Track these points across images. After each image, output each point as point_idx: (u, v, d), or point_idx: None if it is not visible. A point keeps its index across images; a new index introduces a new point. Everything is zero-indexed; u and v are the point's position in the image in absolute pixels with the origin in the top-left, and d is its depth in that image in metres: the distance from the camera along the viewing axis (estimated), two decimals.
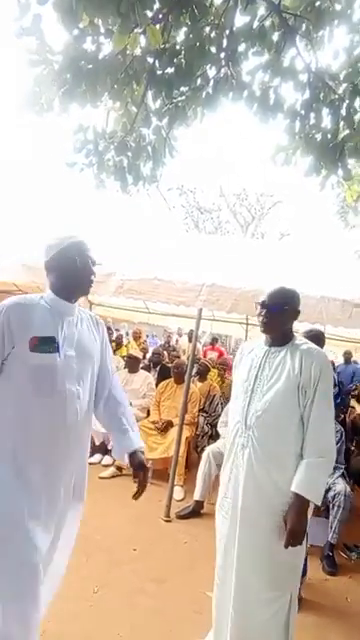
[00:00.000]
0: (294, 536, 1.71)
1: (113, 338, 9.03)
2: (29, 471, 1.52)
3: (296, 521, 1.71)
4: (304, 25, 2.55)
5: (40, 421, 1.53)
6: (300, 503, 1.73)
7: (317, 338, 2.71)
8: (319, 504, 1.89)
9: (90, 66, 2.44)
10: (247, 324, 7.85)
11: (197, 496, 3.78)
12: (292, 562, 1.83)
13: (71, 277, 1.62)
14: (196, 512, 3.74)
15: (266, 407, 1.82)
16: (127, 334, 11.41)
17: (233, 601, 1.85)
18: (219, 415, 4.65)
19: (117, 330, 11.08)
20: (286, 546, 1.71)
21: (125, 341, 9.88)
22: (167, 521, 3.57)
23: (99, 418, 1.86)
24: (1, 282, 4.77)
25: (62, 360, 1.54)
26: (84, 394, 1.65)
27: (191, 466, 4.40)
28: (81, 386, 1.63)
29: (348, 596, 2.88)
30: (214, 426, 4.71)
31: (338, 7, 2.49)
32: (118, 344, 8.35)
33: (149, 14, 2.16)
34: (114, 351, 7.33)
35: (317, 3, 2.47)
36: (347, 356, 8.23)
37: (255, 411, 1.85)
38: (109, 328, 10.17)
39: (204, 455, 3.92)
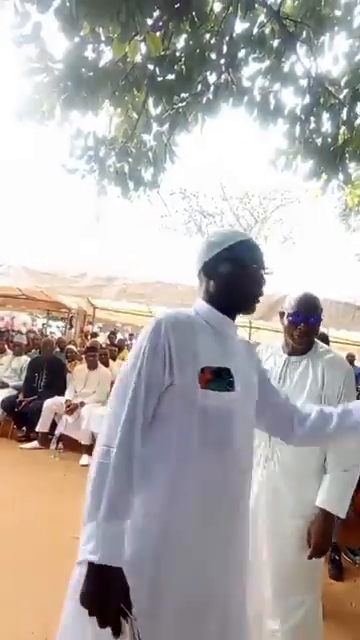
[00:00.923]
0: (319, 550, 1.68)
1: (115, 342, 9.06)
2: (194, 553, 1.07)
3: (320, 535, 1.68)
4: (304, 31, 2.56)
5: (210, 485, 1.10)
6: (325, 517, 1.69)
7: (322, 340, 2.70)
8: (344, 517, 1.85)
9: (91, 73, 2.47)
10: (250, 327, 7.85)
11: None
12: (314, 561, 1.81)
13: (238, 285, 1.24)
14: None
15: None
16: (131, 338, 11.43)
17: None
18: None
19: (120, 333, 11.09)
20: (309, 558, 1.69)
21: (130, 344, 9.89)
22: None
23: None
24: (4, 286, 4.80)
25: (238, 399, 1.16)
26: (252, 447, 1.27)
27: None
28: (251, 435, 1.26)
29: (353, 601, 2.86)
30: None
31: (338, 13, 2.51)
32: (120, 348, 8.36)
33: (149, 22, 2.18)
34: (116, 355, 7.34)
35: (317, 9, 2.48)
36: (350, 359, 8.21)
37: None
38: (113, 332, 10.19)
39: None
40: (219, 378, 1.13)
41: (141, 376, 1.06)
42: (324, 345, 1.94)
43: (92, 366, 5.49)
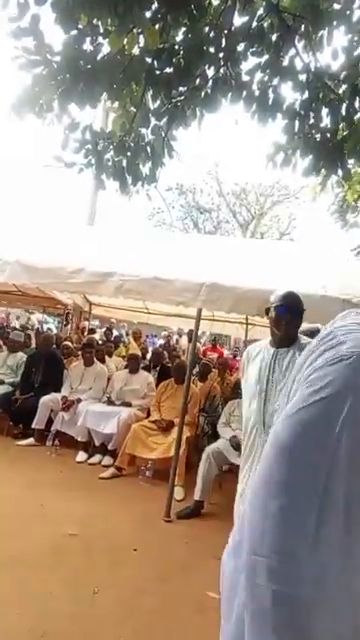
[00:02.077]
0: None
1: (111, 338, 9.04)
2: None
3: None
4: (303, 25, 2.55)
5: None
6: None
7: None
8: None
9: (89, 66, 2.44)
10: (247, 324, 7.85)
11: (197, 496, 3.78)
12: None
13: None
14: (196, 512, 3.74)
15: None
16: (127, 334, 11.40)
17: None
18: (219, 415, 4.65)
19: (116, 329, 11.06)
20: None
21: (126, 341, 9.88)
22: (168, 521, 3.57)
23: None
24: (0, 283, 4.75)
25: None
26: None
27: (192, 466, 4.40)
28: None
29: None
30: (214, 426, 4.71)
31: (337, 7, 2.49)
32: (116, 344, 8.35)
33: (147, 14, 2.15)
34: (112, 351, 7.32)
35: (316, 3, 2.47)
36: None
37: (272, 411, 1.90)
38: (109, 328, 10.16)
39: (204, 455, 3.92)
40: None
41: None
42: (306, 338, 2.12)
43: (88, 363, 5.48)
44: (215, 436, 4.52)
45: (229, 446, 3.91)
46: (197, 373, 5.83)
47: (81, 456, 4.72)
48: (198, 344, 8.24)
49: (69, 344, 6.90)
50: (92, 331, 9.49)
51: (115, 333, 10.35)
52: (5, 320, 12.40)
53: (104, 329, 10.40)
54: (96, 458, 4.69)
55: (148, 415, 5.03)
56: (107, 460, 4.61)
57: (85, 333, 8.96)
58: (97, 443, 4.77)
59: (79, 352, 6.41)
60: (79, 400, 5.07)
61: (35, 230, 5.75)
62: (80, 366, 5.53)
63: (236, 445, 3.88)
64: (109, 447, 4.67)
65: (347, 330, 0.75)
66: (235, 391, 5.19)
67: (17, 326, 10.81)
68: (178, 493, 4.00)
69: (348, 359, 0.68)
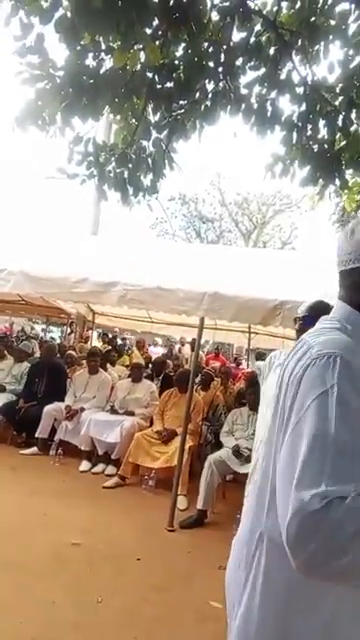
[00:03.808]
0: None
1: (116, 346, 9.07)
2: None
3: None
4: (300, 40, 2.61)
5: None
6: None
7: None
8: None
9: (91, 81, 2.51)
10: (250, 332, 7.87)
11: (200, 505, 3.76)
12: None
13: None
14: (199, 521, 3.73)
15: None
16: (130, 347, 11.45)
17: None
18: (222, 424, 4.65)
19: (123, 339, 11.13)
20: None
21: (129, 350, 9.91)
22: (171, 530, 3.56)
23: None
24: (3, 292, 4.81)
25: None
26: None
27: (194, 475, 4.39)
28: None
29: None
30: (217, 435, 4.71)
31: (333, 22, 2.56)
32: (120, 353, 8.38)
33: (148, 31, 2.22)
34: (115, 360, 7.35)
35: (312, 19, 2.53)
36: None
37: None
38: (114, 337, 10.22)
39: (206, 464, 3.92)
40: None
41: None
42: None
43: (93, 371, 5.51)
44: (218, 445, 4.52)
45: (231, 455, 3.91)
46: (200, 382, 5.85)
47: (84, 465, 4.73)
48: (200, 353, 8.26)
49: (73, 353, 6.94)
50: (112, 339, 9.68)
51: (119, 342, 10.42)
52: (9, 329, 12.46)
53: (107, 339, 10.46)
54: (99, 467, 4.69)
55: (151, 424, 5.04)
56: (110, 469, 4.61)
57: (89, 342, 9.02)
58: (100, 452, 4.78)
59: (82, 361, 6.46)
60: (82, 409, 5.09)
61: (39, 241, 5.82)
62: (84, 374, 5.56)
63: (238, 453, 3.88)
64: (112, 456, 4.68)
65: (315, 335, 0.86)
66: (238, 400, 5.20)
67: (23, 336, 10.87)
68: (181, 502, 3.99)
69: (320, 360, 0.78)
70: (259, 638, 0.87)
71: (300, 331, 2.05)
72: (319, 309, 1.96)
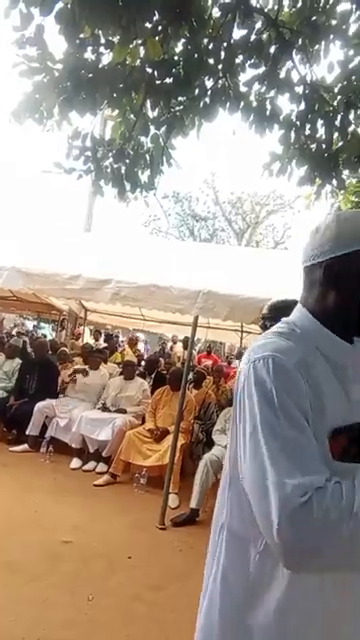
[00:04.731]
0: None
1: (107, 345, 9.03)
2: None
3: None
4: (300, 39, 2.61)
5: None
6: None
7: None
8: None
9: (90, 75, 2.48)
10: (242, 331, 7.89)
11: (193, 504, 3.76)
12: None
13: None
14: (191, 520, 3.72)
15: None
16: (122, 342, 11.41)
17: None
18: (214, 423, 4.65)
19: (117, 337, 11.09)
20: None
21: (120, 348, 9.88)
22: (162, 529, 3.55)
23: None
24: None
25: None
26: None
27: (186, 474, 4.39)
28: None
29: None
30: (209, 434, 4.71)
31: (334, 22, 2.56)
32: (112, 351, 8.34)
33: (149, 26, 2.20)
34: (108, 357, 7.32)
35: (313, 18, 2.53)
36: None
37: None
38: (110, 335, 10.18)
39: (201, 463, 3.92)
40: (354, 444, 0.81)
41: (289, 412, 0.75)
42: None
43: (94, 366, 5.69)
44: (209, 444, 4.52)
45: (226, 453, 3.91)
46: (192, 380, 5.84)
47: (75, 463, 4.70)
48: (193, 351, 8.26)
49: (66, 350, 6.90)
50: (117, 337, 9.66)
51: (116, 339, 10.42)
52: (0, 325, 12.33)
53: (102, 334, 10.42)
54: (90, 465, 4.67)
55: (143, 422, 5.02)
56: (101, 467, 4.59)
57: (80, 339, 8.96)
58: (91, 450, 4.75)
59: (74, 358, 6.44)
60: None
61: (32, 236, 5.76)
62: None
63: None
64: (103, 454, 4.65)
65: (261, 342, 0.86)
66: (230, 399, 5.21)
67: (14, 332, 10.78)
68: (172, 501, 3.99)
69: (256, 363, 0.80)
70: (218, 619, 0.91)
71: (263, 330, 1.97)
72: (280, 308, 1.90)
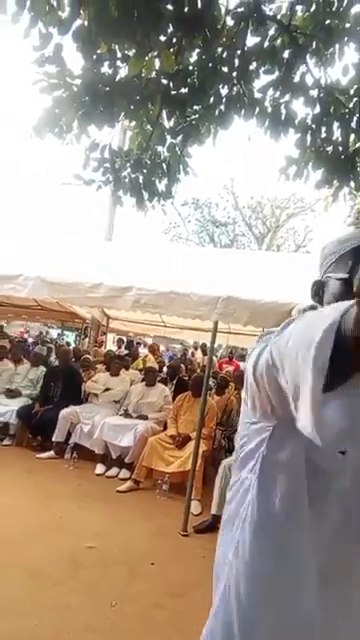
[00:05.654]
0: None
1: (129, 352, 9.11)
2: None
3: None
4: (314, 43, 2.61)
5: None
6: None
7: None
8: None
9: (107, 89, 2.55)
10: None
11: (214, 511, 3.74)
12: None
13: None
14: (213, 526, 3.70)
15: None
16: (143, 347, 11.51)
17: None
18: (236, 429, 4.61)
19: (138, 344, 11.20)
20: None
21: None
22: (185, 535, 3.55)
23: None
24: (20, 297, 4.88)
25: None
26: None
27: (208, 480, 4.37)
28: None
29: None
30: (231, 440, 4.68)
31: (347, 25, 2.55)
32: (134, 358, 8.41)
33: (163, 39, 2.25)
34: (130, 364, 7.38)
35: (327, 22, 2.53)
36: None
37: None
38: (131, 341, 10.28)
39: (220, 469, 3.89)
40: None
41: None
42: None
43: (115, 372, 5.80)
44: (231, 450, 4.49)
45: None
46: (215, 386, 5.83)
47: (100, 468, 4.75)
48: (214, 357, 8.24)
49: (89, 357, 7.01)
50: (130, 343, 9.78)
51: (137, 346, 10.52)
52: (24, 334, 12.63)
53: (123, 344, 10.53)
54: (113, 471, 4.71)
55: (165, 428, 5.04)
56: (124, 473, 4.62)
57: (103, 347, 9.08)
58: (114, 456, 4.79)
59: (97, 365, 6.53)
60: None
61: (55, 246, 5.90)
62: (105, 375, 5.79)
63: None
64: (126, 460, 4.69)
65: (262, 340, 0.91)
66: None
67: (38, 341, 11.02)
68: (195, 507, 3.97)
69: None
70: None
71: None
72: None
